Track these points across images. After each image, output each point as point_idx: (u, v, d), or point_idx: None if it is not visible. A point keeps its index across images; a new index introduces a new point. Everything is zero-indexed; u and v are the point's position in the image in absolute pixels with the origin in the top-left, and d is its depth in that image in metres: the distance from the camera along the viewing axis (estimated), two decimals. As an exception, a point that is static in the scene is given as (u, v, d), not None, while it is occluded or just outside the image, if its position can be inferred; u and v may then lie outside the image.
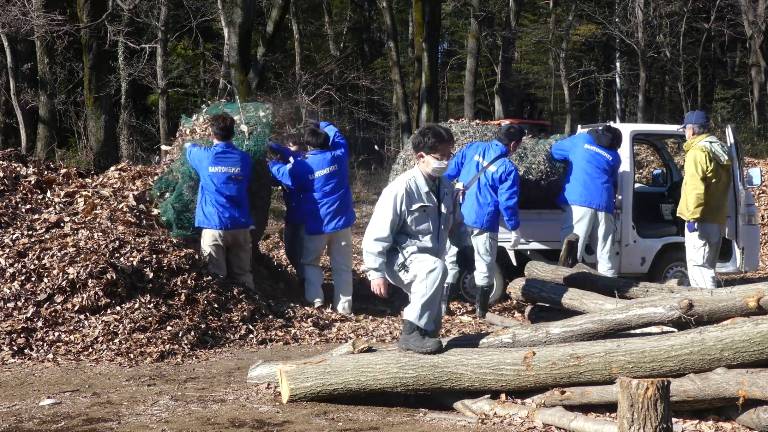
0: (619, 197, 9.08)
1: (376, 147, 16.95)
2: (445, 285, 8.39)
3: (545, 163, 8.94)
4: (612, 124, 9.36)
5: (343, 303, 8.50)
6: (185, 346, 6.63)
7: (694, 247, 7.77)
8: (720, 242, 8.00)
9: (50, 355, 6.35)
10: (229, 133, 8.05)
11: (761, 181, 9.44)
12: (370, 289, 10.66)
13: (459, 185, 8.15)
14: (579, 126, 10.38)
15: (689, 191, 7.65)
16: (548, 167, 8.92)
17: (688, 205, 7.65)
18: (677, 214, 8.01)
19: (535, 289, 6.45)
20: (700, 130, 7.87)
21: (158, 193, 8.27)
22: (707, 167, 7.61)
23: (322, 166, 8.58)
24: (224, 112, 8.45)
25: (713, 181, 7.68)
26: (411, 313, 5.09)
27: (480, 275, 8.33)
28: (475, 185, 8.21)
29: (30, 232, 7.37)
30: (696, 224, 7.69)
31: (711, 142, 7.77)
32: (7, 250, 7.10)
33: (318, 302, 8.40)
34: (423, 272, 5.09)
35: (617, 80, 29.76)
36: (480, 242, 8.23)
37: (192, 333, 6.77)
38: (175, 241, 7.57)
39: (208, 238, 7.86)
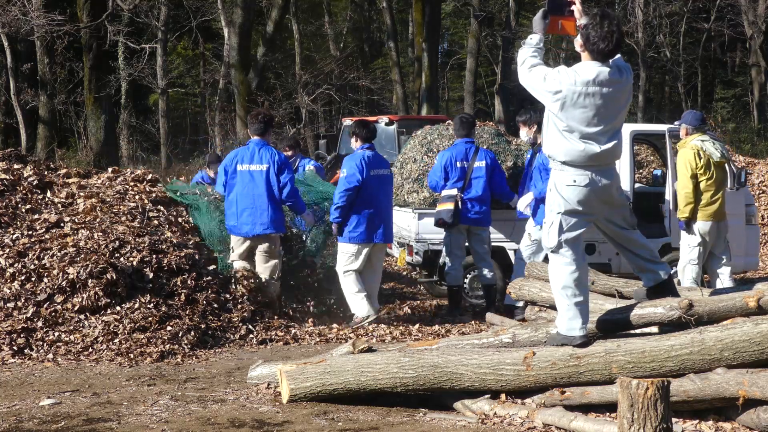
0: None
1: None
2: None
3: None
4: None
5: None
6: (185, 346, 6.62)
7: (689, 245, 7.77)
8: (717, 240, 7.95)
9: (50, 355, 6.34)
10: (265, 130, 7.75)
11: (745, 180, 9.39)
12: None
13: (453, 191, 8.24)
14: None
15: (678, 190, 7.72)
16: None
17: (678, 204, 7.70)
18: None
19: (535, 289, 6.44)
20: (694, 131, 7.87)
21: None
22: (696, 165, 7.63)
23: (380, 165, 7.85)
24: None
25: (704, 178, 7.67)
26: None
27: (488, 271, 8.53)
28: (480, 188, 8.31)
29: (30, 232, 7.37)
30: (685, 223, 7.71)
31: (702, 141, 7.76)
32: (7, 250, 7.10)
33: (372, 315, 7.68)
34: None
35: (617, 80, 29.69)
36: (486, 239, 8.54)
37: (192, 333, 6.76)
38: (175, 241, 7.56)
39: (233, 242, 7.76)
